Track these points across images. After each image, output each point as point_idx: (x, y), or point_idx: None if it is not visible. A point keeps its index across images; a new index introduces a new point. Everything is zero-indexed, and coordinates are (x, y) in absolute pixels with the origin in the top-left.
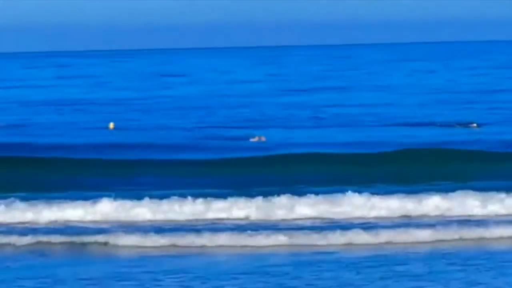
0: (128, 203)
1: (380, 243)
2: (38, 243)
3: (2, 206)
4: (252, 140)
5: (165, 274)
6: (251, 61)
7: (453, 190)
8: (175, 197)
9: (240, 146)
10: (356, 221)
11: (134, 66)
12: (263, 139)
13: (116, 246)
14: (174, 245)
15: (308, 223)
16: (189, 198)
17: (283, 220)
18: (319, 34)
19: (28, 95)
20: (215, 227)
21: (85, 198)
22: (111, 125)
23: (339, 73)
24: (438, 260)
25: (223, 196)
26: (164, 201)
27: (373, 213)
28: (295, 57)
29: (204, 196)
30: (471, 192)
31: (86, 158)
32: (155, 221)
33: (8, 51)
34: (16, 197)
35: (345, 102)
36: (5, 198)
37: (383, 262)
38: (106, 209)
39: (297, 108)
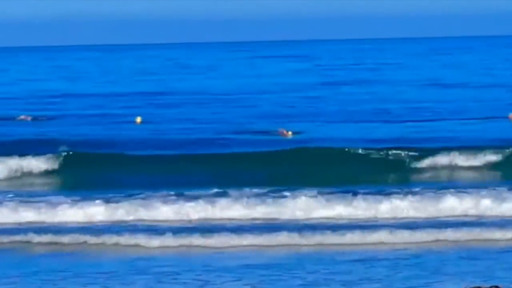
0: None
1: None
2: None
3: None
4: (280, 132)
5: None
6: (279, 54)
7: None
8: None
9: (271, 140)
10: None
11: (161, 59)
12: (289, 133)
13: None
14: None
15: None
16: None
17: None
18: (342, 28)
19: (55, 88)
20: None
21: None
22: (138, 119)
23: (371, 66)
24: None
25: None
26: None
27: None
28: (324, 51)
29: None
30: None
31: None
32: None
33: (35, 44)
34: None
35: (380, 96)
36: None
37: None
38: None
39: (330, 102)
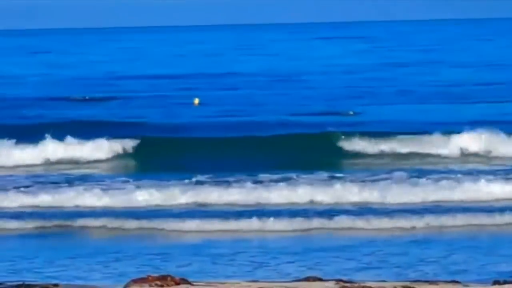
0: None
1: None
2: None
3: None
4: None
5: None
6: (339, 35)
7: None
8: None
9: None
10: None
11: (221, 41)
12: (350, 113)
13: None
14: None
15: None
16: None
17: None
18: (400, 9)
19: (115, 70)
20: None
21: None
22: (196, 100)
23: (432, 48)
24: None
25: None
26: None
27: None
28: (384, 32)
29: None
30: None
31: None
32: None
33: (96, 26)
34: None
35: (441, 77)
36: None
37: None
38: None
39: (390, 83)
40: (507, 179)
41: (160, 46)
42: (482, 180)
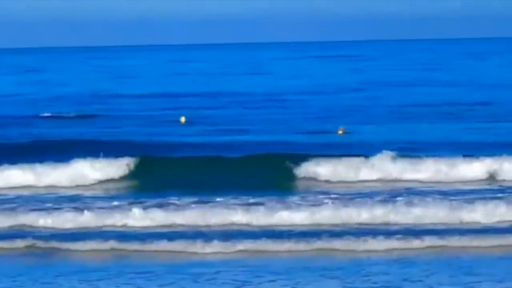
0: None
1: None
2: None
3: None
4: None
5: None
6: (333, 55)
7: None
8: None
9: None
10: None
11: (211, 60)
12: (341, 131)
13: None
14: None
15: None
16: None
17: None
18: (401, 29)
19: (104, 88)
20: None
21: None
22: (183, 119)
23: (426, 67)
24: None
25: None
26: None
27: None
28: (378, 51)
29: None
30: None
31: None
32: None
33: (86, 45)
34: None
35: (434, 96)
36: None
37: None
38: None
39: (380, 101)
40: (488, 199)
41: (154, 65)
42: (464, 202)
